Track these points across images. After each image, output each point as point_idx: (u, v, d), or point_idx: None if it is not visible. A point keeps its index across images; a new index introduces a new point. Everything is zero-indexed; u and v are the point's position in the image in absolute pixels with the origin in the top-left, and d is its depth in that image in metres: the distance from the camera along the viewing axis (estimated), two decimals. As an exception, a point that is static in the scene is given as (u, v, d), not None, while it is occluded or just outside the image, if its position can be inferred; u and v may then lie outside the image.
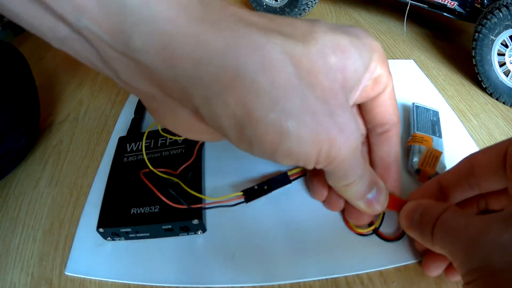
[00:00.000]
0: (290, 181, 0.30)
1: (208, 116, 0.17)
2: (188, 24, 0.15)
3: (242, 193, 0.28)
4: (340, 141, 0.17)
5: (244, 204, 0.29)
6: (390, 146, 0.25)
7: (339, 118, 0.17)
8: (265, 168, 0.33)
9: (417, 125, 0.34)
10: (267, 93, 0.16)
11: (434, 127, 0.34)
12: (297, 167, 0.31)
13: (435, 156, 0.30)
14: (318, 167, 0.19)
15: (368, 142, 0.26)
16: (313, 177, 0.28)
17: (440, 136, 0.33)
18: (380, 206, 0.23)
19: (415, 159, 0.31)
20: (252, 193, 0.29)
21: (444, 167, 0.31)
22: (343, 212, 0.29)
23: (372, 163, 0.26)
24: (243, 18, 0.16)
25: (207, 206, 0.29)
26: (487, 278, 0.16)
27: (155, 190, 0.28)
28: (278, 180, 0.29)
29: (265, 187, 0.29)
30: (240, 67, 0.15)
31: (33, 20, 0.14)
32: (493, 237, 0.16)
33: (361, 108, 0.24)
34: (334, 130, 0.17)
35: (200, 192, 0.29)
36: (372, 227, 0.27)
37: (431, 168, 0.29)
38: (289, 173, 0.30)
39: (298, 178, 0.31)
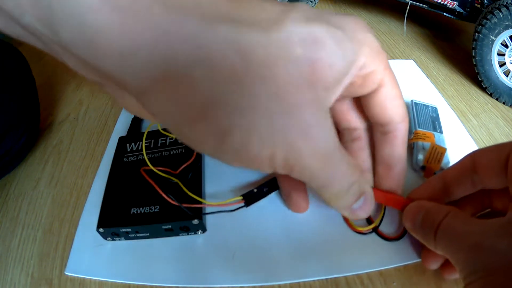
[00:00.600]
0: None
1: (146, 108, 0.15)
2: (113, 13, 0.13)
3: (241, 197, 0.28)
4: (300, 146, 0.15)
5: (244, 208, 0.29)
6: (393, 148, 0.23)
7: (301, 119, 0.15)
8: None
9: (418, 122, 0.34)
10: (202, 88, 0.14)
11: (435, 123, 0.34)
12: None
13: (440, 152, 0.30)
14: (280, 173, 0.17)
15: (372, 137, 0.24)
16: (285, 182, 0.27)
17: (441, 132, 0.33)
18: (365, 213, 0.22)
19: (420, 157, 0.31)
20: (251, 196, 0.28)
21: (448, 162, 0.31)
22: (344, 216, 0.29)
23: (374, 159, 0.25)
24: (182, 4, 0.14)
25: (207, 210, 0.29)
26: (486, 278, 0.16)
27: (156, 187, 0.27)
28: (277, 182, 0.29)
29: (265, 190, 0.29)
30: (170, 59, 0.14)
31: None
32: (492, 244, 0.17)
33: (360, 102, 0.22)
34: (292, 132, 0.15)
35: (200, 195, 0.29)
36: (372, 226, 0.27)
37: (436, 165, 0.30)
38: None
39: None
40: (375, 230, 0.27)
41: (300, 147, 0.15)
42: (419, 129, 0.33)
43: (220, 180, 0.33)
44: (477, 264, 0.17)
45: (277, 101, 0.14)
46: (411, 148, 0.33)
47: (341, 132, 0.25)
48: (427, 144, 0.31)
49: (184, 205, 0.27)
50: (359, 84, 0.19)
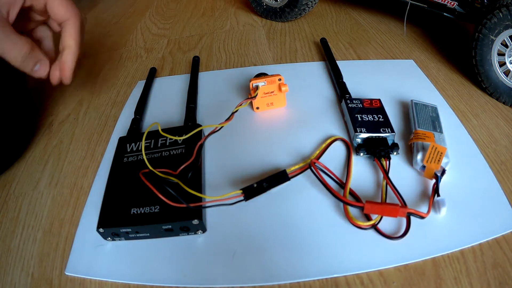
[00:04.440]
0: (289, 179, 0.30)
1: None
2: None
3: (241, 191, 0.28)
4: None
5: (244, 204, 0.29)
6: (65, 39, 0.32)
7: None
8: (264, 166, 0.33)
9: (418, 122, 0.34)
10: None
11: (435, 123, 0.34)
12: (296, 164, 0.32)
13: (439, 152, 0.30)
14: None
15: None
16: None
17: (441, 132, 0.33)
18: (43, 73, 0.31)
19: (419, 156, 0.31)
20: (251, 191, 0.29)
21: (449, 162, 0.31)
22: (345, 208, 0.29)
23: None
24: None
25: (207, 204, 0.29)
26: None
27: (154, 190, 0.28)
28: (277, 178, 0.30)
29: (264, 185, 0.29)
30: None
31: None
32: None
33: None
34: None
35: (200, 192, 0.29)
36: (371, 222, 0.27)
37: (436, 164, 0.30)
38: (288, 170, 0.30)
39: (297, 175, 0.31)
40: (374, 227, 0.28)
41: None
42: (419, 129, 0.33)
43: (220, 176, 0.33)
44: None
45: None
46: (411, 148, 0.33)
47: (36, 28, 0.34)
48: (426, 144, 0.31)
49: (182, 205, 0.27)
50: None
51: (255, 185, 0.29)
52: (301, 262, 0.27)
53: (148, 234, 0.29)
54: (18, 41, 0.29)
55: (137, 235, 0.29)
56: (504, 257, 0.26)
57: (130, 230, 0.28)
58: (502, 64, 0.38)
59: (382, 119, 0.34)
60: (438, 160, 0.30)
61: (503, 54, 0.37)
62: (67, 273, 0.28)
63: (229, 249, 0.28)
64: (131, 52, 0.58)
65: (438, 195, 0.29)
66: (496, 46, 0.38)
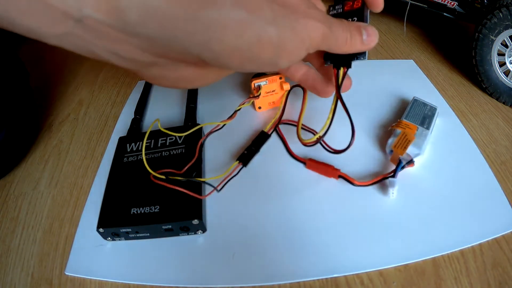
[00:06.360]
0: (269, 136, 0.35)
1: (211, 57, 0.18)
2: None
3: (237, 161, 0.32)
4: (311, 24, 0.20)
5: (244, 203, 0.29)
6: None
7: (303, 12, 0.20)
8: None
9: (408, 114, 0.35)
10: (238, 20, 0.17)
11: (425, 120, 0.34)
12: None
13: (407, 140, 0.31)
14: (312, 50, 0.21)
15: None
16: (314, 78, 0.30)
17: (427, 128, 0.33)
18: (375, 38, 0.25)
19: (390, 141, 0.32)
20: (245, 156, 0.33)
21: (420, 154, 0.31)
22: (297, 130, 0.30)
23: None
24: None
25: (214, 185, 0.30)
26: None
27: (170, 186, 0.29)
28: (259, 139, 0.35)
29: (253, 148, 0.34)
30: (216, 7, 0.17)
31: (32, 22, 0.15)
32: None
33: None
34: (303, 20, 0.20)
35: (200, 194, 0.29)
36: (316, 136, 0.27)
37: (402, 150, 0.31)
38: (264, 130, 0.35)
39: (274, 130, 0.36)
40: (320, 141, 0.29)
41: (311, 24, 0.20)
42: (404, 119, 0.34)
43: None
44: None
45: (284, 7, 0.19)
46: (390, 133, 0.34)
47: None
48: (399, 131, 0.33)
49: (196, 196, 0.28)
50: None
51: (245, 152, 0.33)
52: (301, 262, 0.27)
53: (148, 234, 0.29)
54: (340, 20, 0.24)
55: (137, 235, 0.29)
56: (504, 257, 0.26)
57: (130, 230, 0.28)
58: (502, 64, 0.38)
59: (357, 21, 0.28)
60: (404, 147, 0.31)
61: (503, 54, 0.37)
62: (67, 273, 0.28)
63: (229, 249, 0.28)
64: (131, 52, 0.58)
65: (393, 177, 0.30)
66: (496, 46, 0.38)
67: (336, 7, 0.30)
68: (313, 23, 0.20)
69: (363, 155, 0.33)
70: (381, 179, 0.30)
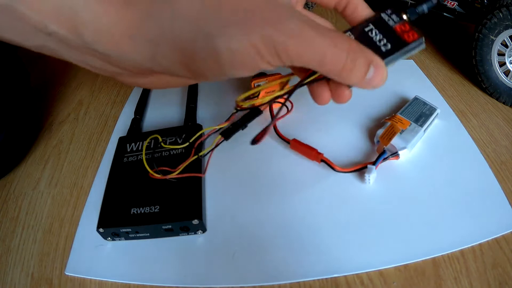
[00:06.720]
0: (261, 112, 0.35)
1: (162, 71, 0.19)
2: (119, 10, 0.16)
3: (220, 136, 0.32)
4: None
5: (244, 203, 0.29)
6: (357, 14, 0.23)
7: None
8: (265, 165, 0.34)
9: (404, 111, 0.35)
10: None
11: (421, 117, 0.34)
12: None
13: (393, 131, 0.32)
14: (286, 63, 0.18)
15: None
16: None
17: (421, 126, 0.34)
18: (381, 80, 0.20)
19: (379, 132, 0.33)
20: (228, 131, 0.32)
21: (406, 148, 0.32)
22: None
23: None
24: None
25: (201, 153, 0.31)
26: None
27: (175, 176, 0.29)
28: (249, 114, 0.34)
29: (238, 123, 0.33)
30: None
31: (11, 35, 0.17)
32: None
33: None
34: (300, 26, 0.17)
35: (200, 196, 0.29)
36: (252, 102, 0.24)
37: (386, 141, 0.31)
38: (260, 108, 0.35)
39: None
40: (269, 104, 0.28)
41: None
42: (399, 115, 0.34)
43: (220, 175, 0.34)
44: None
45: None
46: (382, 125, 0.34)
47: None
48: (388, 123, 0.33)
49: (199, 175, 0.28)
50: None
51: (230, 126, 0.33)
52: (301, 262, 0.27)
53: (148, 234, 0.29)
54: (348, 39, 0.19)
55: (137, 235, 0.29)
56: (504, 257, 0.26)
57: (130, 230, 0.28)
58: (502, 64, 0.38)
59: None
60: (390, 138, 0.32)
61: (503, 54, 0.37)
62: (67, 273, 0.28)
63: (229, 249, 0.28)
64: (131, 52, 0.58)
65: (373, 165, 0.30)
66: (496, 46, 0.38)
67: (389, 19, 0.24)
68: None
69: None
70: (362, 168, 0.31)
